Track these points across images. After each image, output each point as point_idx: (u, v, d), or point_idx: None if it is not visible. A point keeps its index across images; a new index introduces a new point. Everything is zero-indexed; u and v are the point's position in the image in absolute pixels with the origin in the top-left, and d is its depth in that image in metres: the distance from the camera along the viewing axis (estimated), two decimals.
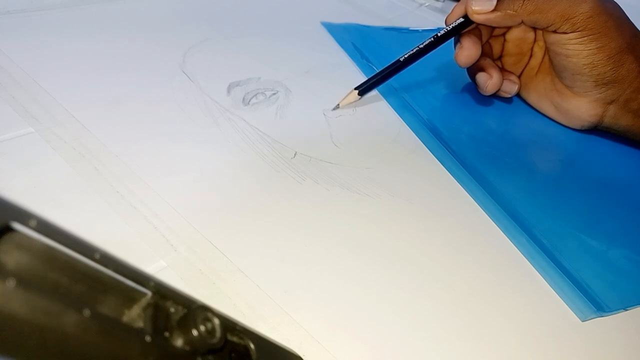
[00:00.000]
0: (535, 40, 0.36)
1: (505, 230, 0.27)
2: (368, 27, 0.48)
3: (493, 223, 0.27)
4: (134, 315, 0.12)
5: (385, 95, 0.37)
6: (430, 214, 0.27)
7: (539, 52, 0.37)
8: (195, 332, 0.12)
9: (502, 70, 0.37)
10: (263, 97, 0.34)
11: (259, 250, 0.23)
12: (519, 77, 0.38)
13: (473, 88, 0.41)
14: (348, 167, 0.29)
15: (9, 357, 0.08)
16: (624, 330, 0.23)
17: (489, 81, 0.35)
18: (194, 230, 0.23)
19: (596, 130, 0.36)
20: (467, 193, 0.29)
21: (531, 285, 0.24)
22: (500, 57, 0.38)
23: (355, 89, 0.34)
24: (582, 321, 0.23)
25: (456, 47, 0.35)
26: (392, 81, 0.39)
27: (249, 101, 0.33)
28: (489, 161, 0.32)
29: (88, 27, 0.38)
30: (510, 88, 0.37)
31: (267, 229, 0.24)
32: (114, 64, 0.34)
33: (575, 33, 0.32)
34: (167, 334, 0.12)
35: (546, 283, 0.24)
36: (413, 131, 0.34)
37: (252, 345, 0.14)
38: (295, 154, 0.29)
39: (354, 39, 0.44)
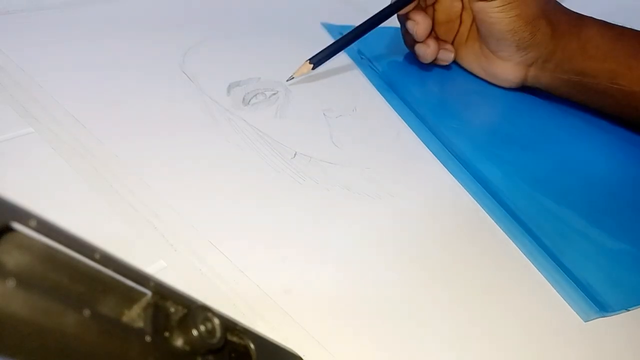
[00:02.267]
0: (463, 9, 0.40)
1: (507, 231, 0.27)
2: None
3: (494, 223, 0.27)
4: (134, 315, 0.12)
5: (385, 94, 0.37)
6: (431, 214, 0.27)
7: (467, 20, 0.40)
8: (195, 332, 0.12)
9: (438, 39, 0.41)
10: (263, 97, 0.34)
11: (259, 250, 0.23)
12: (452, 44, 0.42)
13: (475, 89, 0.41)
14: (348, 167, 0.29)
15: (9, 357, 0.08)
16: (626, 331, 0.23)
17: (427, 50, 0.39)
18: (194, 230, 0.23)
19: (524, 88, 0.40)
20: (468, 193, 0.29)
21: (533, 285, 0.24)
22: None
23: (309, 61, 0.36)
24: (585, 322, 0.23)
25: (409, 25, 0.38)
26: (392, 81, 0.39)
27: (249, 101, 0.33)
28: (491, 161, 0.32)
29: (88, 27, 0.38)
30: (446, 56, 0.41)
31: (267, 229, 0.24)
32: (113, 64, 0.34)
33: (497, 1, 0.35)
34: (167, 334, 0.12)
35: (548, 283, 0.24)
36: (413, 131, 0.34)
37: (252, 345, 0.14)
38: (295, 154, 0.29)
39: None
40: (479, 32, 0.39)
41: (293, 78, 0.36)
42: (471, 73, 0.42)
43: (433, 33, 0.41)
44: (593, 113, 0.40)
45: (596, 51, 0.35)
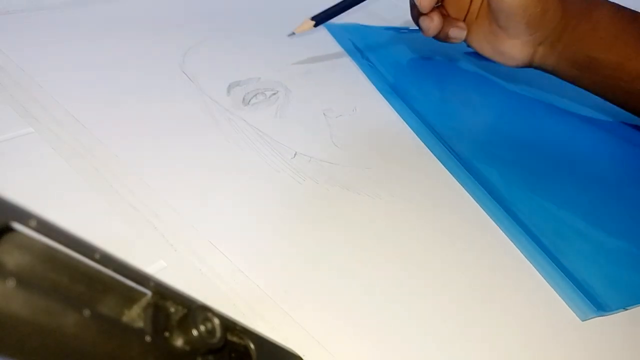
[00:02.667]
0: None
1: (506, 230, 0.27)
2: (368, 27, 0.48)
3: (494, 223, 0.27)
4: (134, 315, 0.12)
5: (385, 95, 0.37)
6: (431, 213, 0.27)
7: None
8: (195, 332, 0.12)
9: (449, 17, 0.40)
10: (263, 97, 0.34)
11: (259, 250, 0.23)
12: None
13: (475, 88, 0.41)
14: (348, 167, 0.29)
15: (9, 357, 0.08)
16: (624, 330, 0.23)
17: (431, 24, 0.39)
18: (194, 230, 0.23)
19: (530, 67, 0.40)
20: (467, 193, 0.29)
21: (531, 284, 0.24)
22: (442, 5, 0.41)
23: (312, 18, 0.36)
24: (583, 321, 0.23)
25: None
26: (392, 81, 0.39)
27: (249, 101, 0.33)
28: (490, 161, 0.32)
29: (88, 26, 0.38)
30: (459, 34, 0.40)
31: (267, 229, 0.24)
32: (113, 64, 0.34)
33: None
34: (167, 334, 0.12)
35: (546, 283, 0.24)
36: (413, 131, 0.34)
37: (252, 345, 0.14)
38: (295, 154, 0.29)
39: (354, 39, 0.44)
40: (490, 7, 0.38)
41: (294, 34, 0.35)
42: (479, 53, 0.42)
43: (443, 10, 0.41)
44: (592, 113, 0.40)
45: (606, 33, 0.35)
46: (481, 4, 0.40)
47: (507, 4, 0.36)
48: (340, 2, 0.36)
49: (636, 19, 0.36)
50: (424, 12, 0.38)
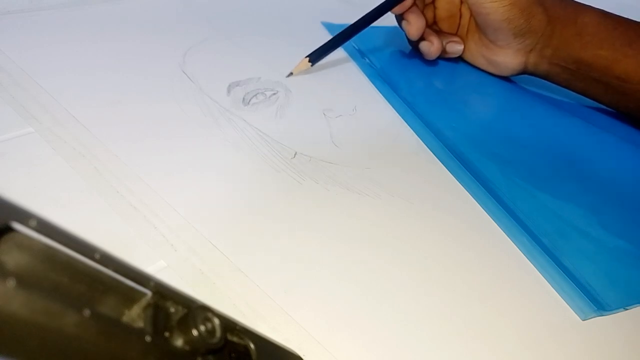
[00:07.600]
0: (461, 2, 0.41)
1: (506, 230, 0.27)
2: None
3: (494, 222, 0.27)
4: (134, 315, 0.12)
5: (385, 95, 0.37)
6: (431, 213, 0.27)
7: (466, 13, 0.41)
8: (195, 332, 0.12)
9: (444, 34, 0.42)
10: (263, 97, 0.34)
11: (259, 250, 0.23)
12: None
13: (476, 87, 0.41)
14: (348, 167, 0.29)
15: (9, 357, 0.08)
16: (624, 330, 0.23)
17: (431, 48, 0.40)
18: (194, 230, 0.23)
19: (524, 74, 0.41)
20: (467, 192, 0.29)
21: (532, 284, 0.24)
22: (434, 24, 0.42)
23: (307, 57, 0.37)
24: (583, 320, 0.23)
25: (403, 25, 0.39)
26: (392, 81, 0.39)
27: (249, 101, 0.33)
28: (490, 160, 0.32)
29: (88, 27, 0.38)
30: (455, 48, 0.42)
31: (267, 229, 0.24)
32: (114, 64, 0.34)
33: None
34: (167, 334, 0.12)
35: (547, 282, 0.24)
36: (413, 131, 0.34)
37: (252, 345, 0.14)
38: (295, 154, 0.29)
39: (354, 39, 0.44)
40: (477, 23, 0.39)
41: (292, 74, 0.37)
42: (473, 65, 0.43)
43: (435, 27, 0.42)
44: (590, 112, 0.40)
45: (592, 38, 0.36)
46: (469, 18, 0.41)
47: (492, 19, 0.37)
48: (333, 38, 0.37)
49: (620, 22, 0.36)
50: (414, 39, 0.39)
